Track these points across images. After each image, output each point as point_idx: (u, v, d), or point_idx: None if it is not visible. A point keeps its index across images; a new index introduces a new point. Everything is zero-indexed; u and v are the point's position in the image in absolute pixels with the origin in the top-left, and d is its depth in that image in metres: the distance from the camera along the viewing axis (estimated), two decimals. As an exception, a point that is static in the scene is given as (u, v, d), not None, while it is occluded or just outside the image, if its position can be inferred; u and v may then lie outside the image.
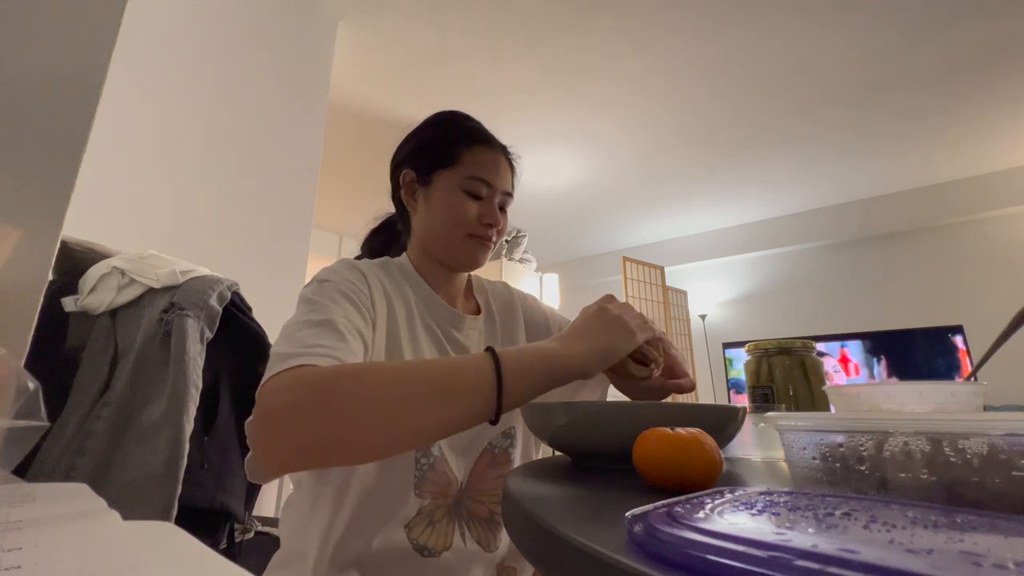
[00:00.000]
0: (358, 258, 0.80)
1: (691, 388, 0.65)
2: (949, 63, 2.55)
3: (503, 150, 0.74)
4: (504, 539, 0.66)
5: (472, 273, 0.82)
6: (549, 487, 0.39)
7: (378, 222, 0.88)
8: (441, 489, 0.62)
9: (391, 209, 0.82)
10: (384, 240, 0.86)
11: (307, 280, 0.64)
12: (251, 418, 0.45)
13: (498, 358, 0.47)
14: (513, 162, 0.76)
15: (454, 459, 0.64)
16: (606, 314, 0.57)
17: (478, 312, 0.78)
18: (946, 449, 0.27)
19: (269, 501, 1.51)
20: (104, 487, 0.74)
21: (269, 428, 0.43)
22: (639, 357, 0.58)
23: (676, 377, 0.64)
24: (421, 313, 0.70)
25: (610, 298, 0.60)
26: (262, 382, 0.46)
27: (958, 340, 3.42)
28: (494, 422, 0.47)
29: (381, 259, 0.74)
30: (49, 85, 0.67)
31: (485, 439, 0.68)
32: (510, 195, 0.74)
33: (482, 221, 0.69)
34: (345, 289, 0.60)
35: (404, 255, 0.76)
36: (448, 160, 0.70)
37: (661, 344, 0.62)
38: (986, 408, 0.51)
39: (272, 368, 0.47)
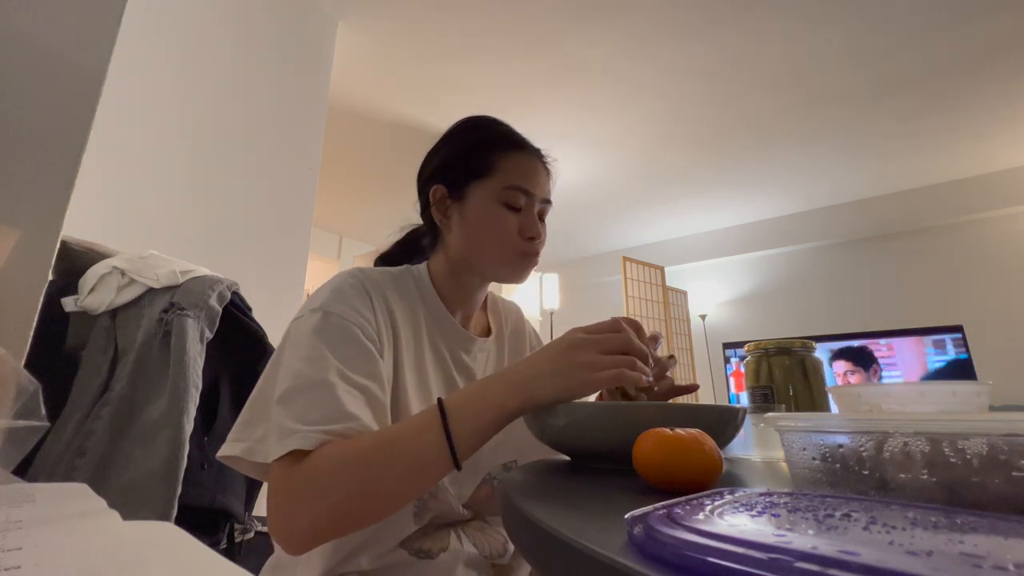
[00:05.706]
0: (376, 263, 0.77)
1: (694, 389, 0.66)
2: (949, 63, 2.55)
3: (538, 154, 0.70)
4: (501, 541, 0.66)
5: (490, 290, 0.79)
6: (549, 487, 0.39)
7: (403, 233, 0.82)
8: (441, 514, 0.62)
9: (407, 216, 0.80)
10: (408, 255, 0.80)
11: (306, 279, 0.63)
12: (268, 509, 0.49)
13: (448, 427, 0.48)
14: (549, 166, 0.72)
15: (455, 489, 0.64)
16: (563, 359, 0.50)
17: (489, 333, 0.77)
18: (946, 450, 0.27)
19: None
20: (104, 487, 0.74)
21: (282, 516, 0.48)
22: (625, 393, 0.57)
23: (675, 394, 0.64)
24: (430, 333, 0.67)
25: (578, 340, 0.51)
26: (271, 458, 0.48)
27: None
28: (459, 468, 0.49)
29: (399, 269, 0.71)
30: (49, 85, 0.67)
31: (484, 469, 0.67)
32: (549, 202, 0.70)
33: (523, 235, 0.66)
34: (353, 328, 0.55)
35: (424, 265, 0.72)
36: (481, 170, 0.66)
37: (654, 367, 0.56)
38: (986, 408, 0.51)
39: (276, 442, 0.48)
